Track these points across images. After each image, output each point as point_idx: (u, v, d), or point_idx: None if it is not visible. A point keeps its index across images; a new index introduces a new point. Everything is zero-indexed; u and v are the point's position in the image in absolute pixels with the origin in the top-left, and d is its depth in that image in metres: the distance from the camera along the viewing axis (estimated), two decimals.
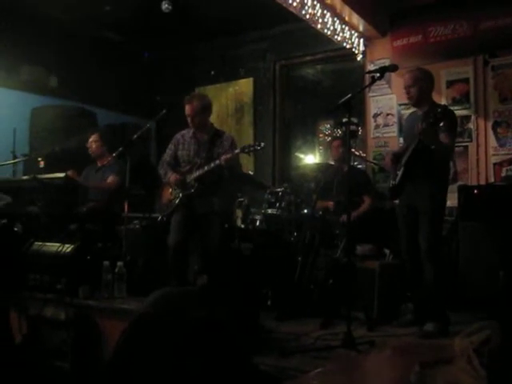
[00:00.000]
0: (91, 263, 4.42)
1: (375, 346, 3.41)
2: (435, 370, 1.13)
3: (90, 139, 5.76)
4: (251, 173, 6.38)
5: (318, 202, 5.01)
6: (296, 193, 5.29)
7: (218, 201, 4.77)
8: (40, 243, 4.60)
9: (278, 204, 5.22)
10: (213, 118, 5.12)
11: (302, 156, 8.14)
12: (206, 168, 4.68)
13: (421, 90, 4.12)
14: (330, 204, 5.15)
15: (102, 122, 7.33)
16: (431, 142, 3.89)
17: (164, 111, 4.86)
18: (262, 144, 4.57)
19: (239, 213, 5.36)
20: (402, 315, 4.29)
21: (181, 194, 4.77)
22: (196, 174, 4.74)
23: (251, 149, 4.54)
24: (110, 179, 5.55)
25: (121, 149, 4.87)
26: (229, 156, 4.56)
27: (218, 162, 4.60)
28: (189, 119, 4.81)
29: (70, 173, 5.28)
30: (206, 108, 4.87)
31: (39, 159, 6.06)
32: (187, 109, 4.79)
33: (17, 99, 6.94)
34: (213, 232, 4.67)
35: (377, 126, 6.57)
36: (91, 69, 7.54)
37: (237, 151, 4.60)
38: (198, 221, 4.72)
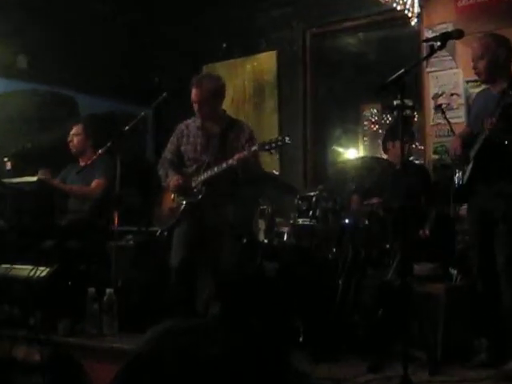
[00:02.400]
0: (73, 291, 4.41)
1: None
2: None
3: (72, 132, 5.76)
4: (276, 173, 6.34)
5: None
6: (334, 197, 5.23)
7: (234, 209, 4.83)
8: (7, 266, 4.57)
9: (311, 212, 5.16)
10: (226, 104, 5.09)
11: (341, 150, 7.99)
12: (215, 169, 4.70)
13: (493, 63, 4.07)
14: (376, 202, 5.01)
15: (85, 110, 7.27)
16: (504, 138, 3.85)
17: (164, 95, 4.89)
18: (287, 139, 4.55)
19: (262, 224, 5.27)
20: (474, 354, 4.18)
21: (185, 202, 4.82)
22: (204, 176, 4.77)
23: (273, 145, 4.52)
24: (95, 183, 5.53)
25: (109, 144, 4.87)
26: (244, 155, 4.58)
27: (230, 161, 4.61)
28: (196, 107, 4.82)
29: (41, 174, 5.33)
30: (218, 92, 4.90)
31: (5, 159, 6.05)
32: (194, 94, 4.81)
33: None
34: (227, 249, 4.72)
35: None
36: (71, 45, 7.41)
37: (254, 148, 4.59)
38: (209, 235, 4.76)
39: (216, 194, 4.76)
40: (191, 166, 4.88)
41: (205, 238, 4.78)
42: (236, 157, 4.57)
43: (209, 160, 4.78)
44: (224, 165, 4.65)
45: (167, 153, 5.03)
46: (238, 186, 4.81)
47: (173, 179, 4.83)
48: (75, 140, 5.76)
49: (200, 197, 4.75)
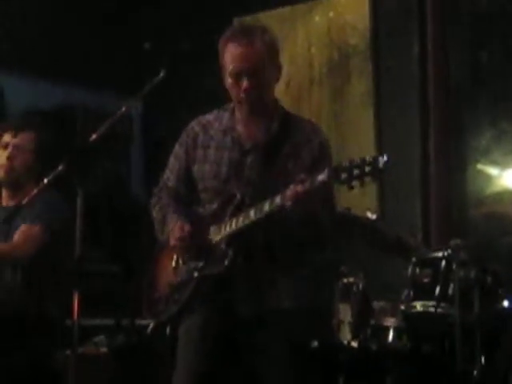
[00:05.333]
0: None
1: None
2: None
3: (14, 142, 5.01)
4: (372, 217, 5.46)
5: None
6: (484, 262, 4.70)
7: (290, 288, 3.99)
8: None
9: (438, 288, 4.66)
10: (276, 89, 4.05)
11: (494, 172, 6.91)
12: (252, 214, 3.71)
13: None
14: None
15: (17, 103, 6.53)
16: None
17: (161, 76, 4.01)
18: (384, 159, 3.54)
19: (346, 312, 4.86)
20: None
21: (196, 273, 3.88)
22: (231, 227, 3.84)
23: (356, 173, 3.55)
24: (22, 232, 4.74)
25: (61, 166, 3.95)
26: (303, 189, 3.58)
27: (279, 200, 3.65)
28: (237, 87, 3.85)
29: None
30: (275, 54, 4.00)
31: None
32: (242, 56, 3.88)
33: None
34: (280, 363, 3.85)
35: None
36: None
37: (321, 178, 3.57)
38: (244, 336, 3.91)
39: (255, 260, 3.84)
40: (210, 204, 3.95)
41: (237, 343, 3.92)
42: (289, 193, 3.57)
43: (242, 195, 3.83)
44: (267, 206, 3.64)
45: (169, 176, 4.15)
46: (297, 243, 3.90)
47: (175, 228, 3.90)
48: (19, 158, 5.02)
49: (227, 264, 3.84)
